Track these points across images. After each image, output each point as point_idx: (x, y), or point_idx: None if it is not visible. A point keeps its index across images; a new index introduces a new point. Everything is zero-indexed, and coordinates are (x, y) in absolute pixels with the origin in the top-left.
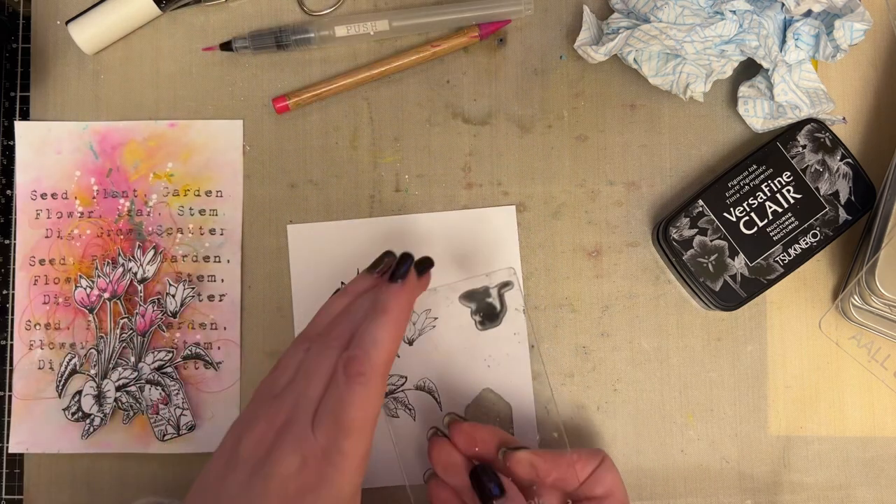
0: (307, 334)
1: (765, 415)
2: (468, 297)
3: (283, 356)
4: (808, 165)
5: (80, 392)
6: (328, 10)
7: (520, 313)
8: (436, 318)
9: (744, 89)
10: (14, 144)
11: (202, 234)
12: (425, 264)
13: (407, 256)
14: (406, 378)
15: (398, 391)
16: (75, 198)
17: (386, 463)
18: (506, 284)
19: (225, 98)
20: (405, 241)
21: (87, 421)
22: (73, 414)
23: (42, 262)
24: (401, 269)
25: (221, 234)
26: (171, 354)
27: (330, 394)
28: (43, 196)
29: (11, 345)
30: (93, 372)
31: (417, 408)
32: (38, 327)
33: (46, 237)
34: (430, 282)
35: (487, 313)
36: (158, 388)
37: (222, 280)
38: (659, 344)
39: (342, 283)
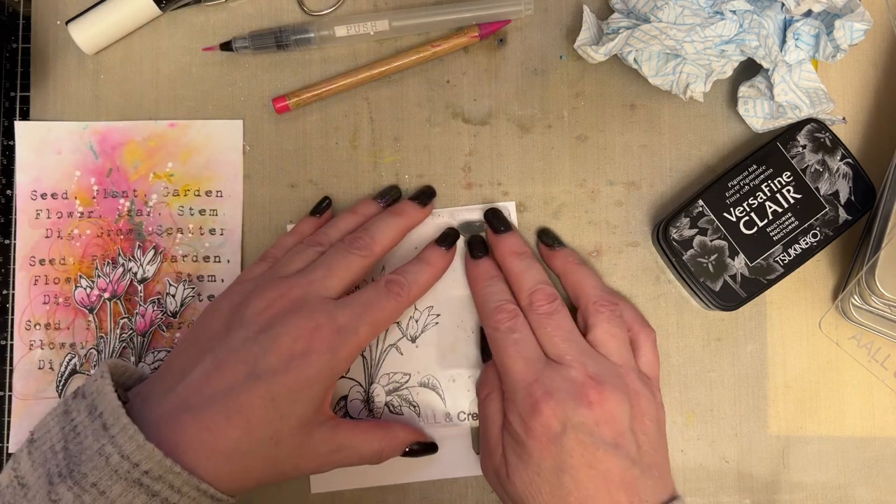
0: (317, 240)
1: (765, 415)
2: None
3: (289, 251)
4: (808, 165)
5: None
6: (328, 10)
7: None
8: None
9: (744, 89)
10: (14, 144)
11: (202, 234)
12: (450, 237)
13: (432, 192)
14: (410, 375)
15: (402, 388)
16: (75, 198)
17: (402, 461)
18: None
19: (225, 98)
20: (404, 240)
21: None
22: None
23: (42, 262)
24: (425, 198)
25: (221, 234)
26: None
27: (367, 290)
28: (43, 196)
29: (11, 345)
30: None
31: (422, 405)
32: (38, 327)
33: (46, 237)
34: (455, 254)
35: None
36: None
37: (222, 280)
38: (659, 344)
39: (327, 197)
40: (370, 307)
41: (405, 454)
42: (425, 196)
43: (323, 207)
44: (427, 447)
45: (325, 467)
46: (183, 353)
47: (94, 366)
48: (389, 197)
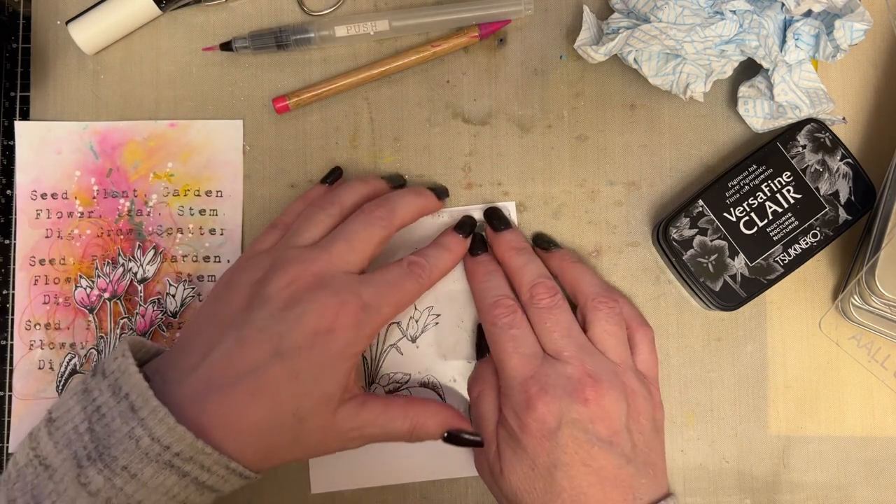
0: (329, 202)
1: (765, 415)
2: None
3: (302, 215)
4: (808, 165)
5: None
6: (328, 10)
7: None
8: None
9: (744, 89)
10: (14, 144)
11: (202, 234)
12: (467, 224)
13: (447, 191)
14: (410, 375)
15: (402, 388)
16: (75, 198)
17: (402, 460)
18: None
19: (225, 98)
20: (404, 240)
21: None
22: None
23: (42, 262)
24: (440, 192)
25: (221, 234)
26: None
27: (391, 270)
28: (43, 196)
29: (11, 345)
30: None
31: None
32: (38, 327)
33: (46, 237)
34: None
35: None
36: None
37: None
38: (659, 344)
39: (338, 167)
40: (394, 287)
41: (446, 440)
42: (440, 192)
43: (334, 177)
44: (472, 439)
45: (351, 444)
46: (204, 331)
47: (95, 366)
48: (395, 184)
